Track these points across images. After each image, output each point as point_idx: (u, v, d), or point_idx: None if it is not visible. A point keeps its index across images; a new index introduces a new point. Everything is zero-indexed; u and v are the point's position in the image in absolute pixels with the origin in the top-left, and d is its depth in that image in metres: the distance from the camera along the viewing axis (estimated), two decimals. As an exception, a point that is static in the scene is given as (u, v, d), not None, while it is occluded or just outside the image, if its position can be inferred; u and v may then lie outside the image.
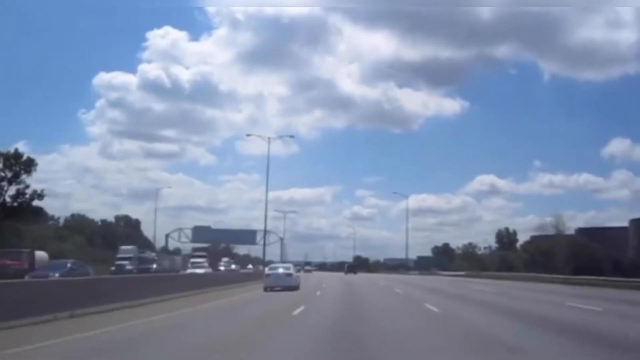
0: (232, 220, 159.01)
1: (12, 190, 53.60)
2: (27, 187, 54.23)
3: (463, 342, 9.61)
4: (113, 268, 41.62)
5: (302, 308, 15.85)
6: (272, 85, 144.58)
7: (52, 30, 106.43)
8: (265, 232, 60.58)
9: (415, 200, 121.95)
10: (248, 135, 78.06)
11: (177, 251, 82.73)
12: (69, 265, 28.12)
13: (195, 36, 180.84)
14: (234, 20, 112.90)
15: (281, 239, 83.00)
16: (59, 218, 72.90)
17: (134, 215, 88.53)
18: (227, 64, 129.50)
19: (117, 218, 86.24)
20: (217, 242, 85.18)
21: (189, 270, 44.69)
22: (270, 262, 59.09)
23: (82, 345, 9.33)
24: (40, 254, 36.04)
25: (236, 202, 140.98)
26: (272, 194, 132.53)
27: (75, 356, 8.51)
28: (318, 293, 24.84)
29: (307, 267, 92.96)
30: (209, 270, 46.87)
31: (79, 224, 71.56)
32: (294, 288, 26.93)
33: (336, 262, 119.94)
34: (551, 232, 64.83)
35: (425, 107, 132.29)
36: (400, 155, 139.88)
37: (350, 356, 8.30)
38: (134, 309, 15.77)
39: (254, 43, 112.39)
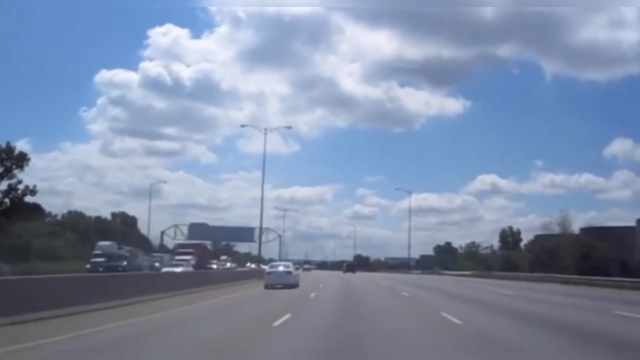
0: (233, 219, 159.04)
1: (3, 185, 52.32)
2: (20, 182, 52.95)
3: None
4: (88, 266, 38.23)
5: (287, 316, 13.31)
6: (273, 84, 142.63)
7: (53, 27, 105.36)
8: (261, 229, 58.39)
9: (416, 200, 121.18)
10: (243, 126, 76.91)
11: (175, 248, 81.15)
12: None
13: (196, 34, 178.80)
14: (235, 18, 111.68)
15: (280, 236, 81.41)
16: (56, 215, 71.60)
17: (135, 213, 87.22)
18: (228, 62, 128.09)
19: (114, 215, 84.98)
20: (214, 240, 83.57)
21: (166, 269, 39.69)
22: (271, 260, 57.51)
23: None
24: None
25: (237, 200, 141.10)
26: (273, 193, 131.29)
27: None
28: (312, 295, 23.26)
29: (306, 266, 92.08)
30: (190, 269, 41.88)
31: (74, 221, 70.11)
32: (294, 286, 27.90)
33: (336, 261, 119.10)
34: (556, 231, 63.84)
35: (427, 107, 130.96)
36: (402, 155, 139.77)
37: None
38: (65, 318, 12.28)
39: (256, 41, 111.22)
